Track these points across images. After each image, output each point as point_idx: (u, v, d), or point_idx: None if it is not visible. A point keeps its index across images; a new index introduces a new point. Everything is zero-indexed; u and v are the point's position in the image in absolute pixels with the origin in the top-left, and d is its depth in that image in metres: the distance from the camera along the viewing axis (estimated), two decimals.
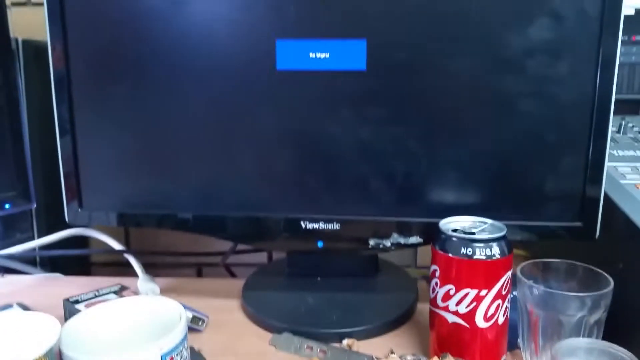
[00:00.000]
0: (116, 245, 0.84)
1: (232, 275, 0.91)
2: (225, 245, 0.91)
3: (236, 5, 0.62)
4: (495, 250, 0.54)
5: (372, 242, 0.67)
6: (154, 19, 0.64)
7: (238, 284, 0.77)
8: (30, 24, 0.94)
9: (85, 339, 0.51)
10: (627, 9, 0.81)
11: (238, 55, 0.63)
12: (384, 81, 0.62)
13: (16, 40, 0.79)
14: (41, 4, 0.95)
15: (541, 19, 0.59)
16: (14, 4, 0.96)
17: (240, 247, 0.88)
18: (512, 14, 0.59)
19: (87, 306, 0.64)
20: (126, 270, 0.85)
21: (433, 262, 0.57)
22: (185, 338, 0.50)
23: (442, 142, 0.63)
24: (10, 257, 0.82)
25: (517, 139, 0.62)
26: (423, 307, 0.69)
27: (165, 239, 1.04)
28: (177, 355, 0.48)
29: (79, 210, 0.70)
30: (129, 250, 0.85)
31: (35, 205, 0.80)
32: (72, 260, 0.94)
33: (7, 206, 0.75)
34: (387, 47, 0.61)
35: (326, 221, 0.67)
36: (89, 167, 0.69)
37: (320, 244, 0.68)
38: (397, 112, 0.63)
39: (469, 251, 0.54)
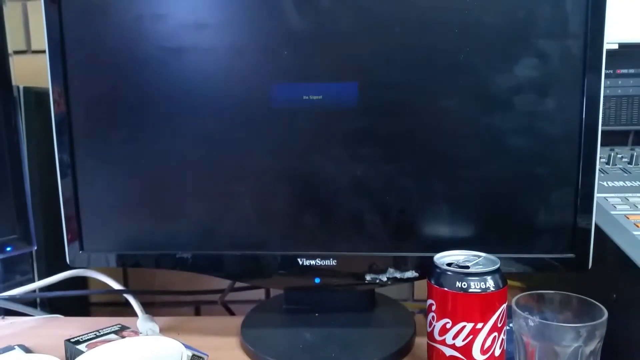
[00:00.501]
0: (116, 286, 0.85)
1: (230, 312, 0.91)
2: (222, 282, 0.92)
3: (232, 51, 0.64)
4: (490, 283, 0.55)
5: (368, 277, 0.68)
6: (153, 64, 0.66)
7: (236, 321, 0.77)
8: (30, 71, 0.97)
9: None
10: (611, 45, 0.83)
11: (234, 99, 0.65)
12: (376, 121, 0.64)
13: (17, 87, 0.81)
14: (41, 52, 0.99)
15: (527, 59, 0.61)
16: (15, 52, 0.99)
17: (238, 284, 0.88)
18: (500, 55, 0.62)
19: (88, 346, 0.64)
20: (124, 309, 0.85)
21: (429, 296, 0.58)
22: None
23: (435, 178, 0.65)
24: (12, 299, 0.82)
25: (508, 174, 0.64)
26: (421, 341, 0.70)
27: (163, 278, 1.04)
28: None
29: (80, 252, 0.71)
30: (128, 290, 0.86)
31: (36, 248, 0.81)
32: (71, 301, 0.94)
33: (8, 249, 0.76)
34: (379, 89, 0.63)
35: (323, 257, 0.68)
36: (89, 210, 0.70)
37: (317, 280, 0.69)
38: (390, 150, 0.64)
39: (464, 285, 0.55)
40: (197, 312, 1.07)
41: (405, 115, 0.64)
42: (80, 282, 0.98)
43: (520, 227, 0.65)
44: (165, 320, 0.80)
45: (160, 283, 1.04)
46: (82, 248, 0.71)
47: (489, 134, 0.63)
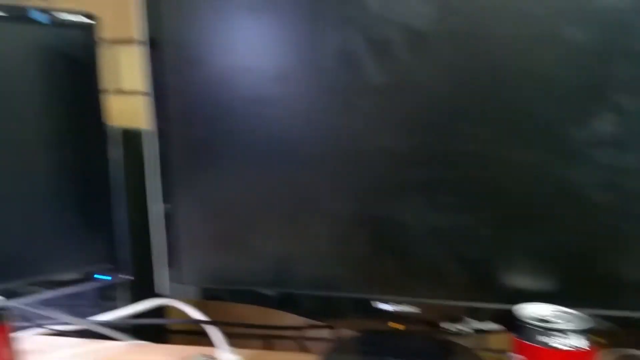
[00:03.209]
0: (200, 317, 0.89)
1: (305, 350, 0.92)
2: (295, 318, 0.94)
3: (313, 102, 0.67)
4: (583, 341, 0.55)
5: (444, 326, 0.68)
6: (240, 112, 0.69)
7: (311, 359, 0.78)
8: (119, 111, 1.03)
9: None
10: None
11: (315, 145, 0.68)
12: (453, 170, 0.64)
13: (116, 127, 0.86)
14: (131, 93, 1.05)
15: (604, 113, 0.60)
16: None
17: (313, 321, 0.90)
18: (577, 108, 0.61)
19: None
20: (200, 338, 0.88)
21: (518, 351, 0.59)
22: None
23: (515, 231, 0.65)
24: (106, 324, 0.87)
25: (590, 228, 0.63)
26: None
27: (236, 311, 1.07)
28: None
29: (169, 282, 0.75)
30: (213, 321, 0.89)
31: (133, 278, 0.85)
32: (151, 328, 0.98)
33: (107, 278, 0.82)
34: (455, 139, 0.64)
35: (397, 302, 0.69)
36: (178, 244, 0.74)
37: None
38: (466, 200, 0.65)
39: (556, 342, 0.56)
40: (269, 347, 1.09)
41: (482, 165, 0.64)
42: (158, 310, 1.02)
43: (605, 282, 0.64)
44: (244, 352, 0.83)
45: (233, 315, 1.07)
46: (170, 279, 0.75)
47: (567, 187, 0.62)
